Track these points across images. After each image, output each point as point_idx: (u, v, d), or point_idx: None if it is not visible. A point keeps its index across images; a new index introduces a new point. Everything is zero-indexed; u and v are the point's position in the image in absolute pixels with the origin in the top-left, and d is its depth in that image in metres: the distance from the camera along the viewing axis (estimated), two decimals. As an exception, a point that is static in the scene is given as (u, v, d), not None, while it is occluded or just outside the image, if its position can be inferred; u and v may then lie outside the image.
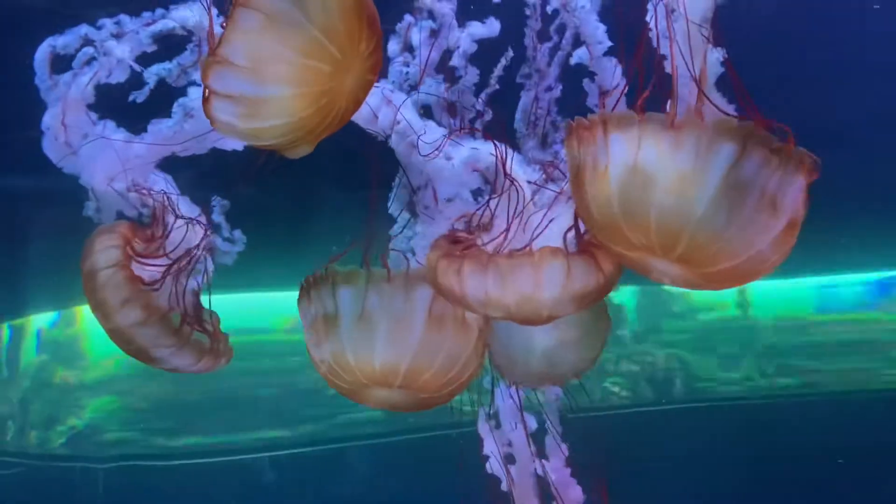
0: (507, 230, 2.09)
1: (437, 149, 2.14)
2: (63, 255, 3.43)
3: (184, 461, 4.17)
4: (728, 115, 1.79)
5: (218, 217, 2.44)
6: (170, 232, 2.32)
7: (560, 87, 2.46)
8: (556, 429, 2.77)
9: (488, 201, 2.11)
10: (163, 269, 2.25)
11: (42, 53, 2.28)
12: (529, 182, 2.17)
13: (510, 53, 2.40)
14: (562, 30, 2.43)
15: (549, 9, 2.38)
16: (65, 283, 3.62)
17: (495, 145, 2.15)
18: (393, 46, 2.42)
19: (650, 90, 1.82)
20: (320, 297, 2.14)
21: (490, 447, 2.74)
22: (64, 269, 3.53)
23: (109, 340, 3.38)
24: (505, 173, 2.09)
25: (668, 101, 1.84)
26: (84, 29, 2.30)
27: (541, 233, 2.05)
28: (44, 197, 3.25)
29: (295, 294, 2.22)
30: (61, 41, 2.28)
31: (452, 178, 2.19)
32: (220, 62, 1.73)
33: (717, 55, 1.82)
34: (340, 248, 2.23)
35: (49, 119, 2.28)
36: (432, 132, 2.20)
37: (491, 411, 2.72)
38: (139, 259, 2.21)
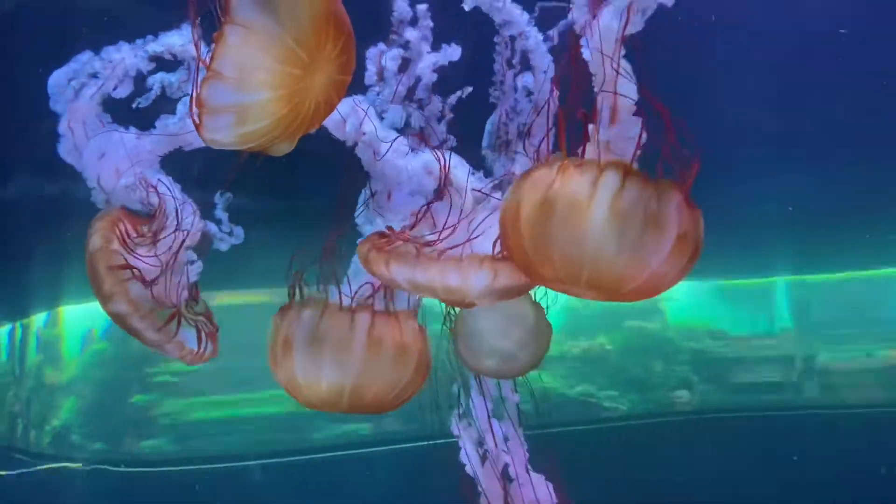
0: (444, 230, 2.32)
1: (389, 151, 2.35)
2: (57, 255, 3.62)
3: (156, 468, 4.23)
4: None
5: (221, 213, 2.65)
6: (165, 227, 2.50)
7: (524, 110, 2.66)
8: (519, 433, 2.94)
9: (430, 203, 2.32)
10: (155, 263, 2.44)
11: (55, 80, 2.52)
12: (475, 189, 2.37)
13: (468, 88, 2.62)
14: (526, 59, 2.65)
15: (507, 34, 2.59)
16: (54, 283, 3.79)
17: (440, 155, 2.36)
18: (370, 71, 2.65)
19: (560, 130, 2.05)
20: (289, 320, 2.38)
21: (467, 449, 2.92)
22: (55, 270, 3.72)
23: (77, 343, 3.56)
24: (444, 180, 2.29)
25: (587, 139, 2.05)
26: (87, 56, 2.54)
27: (478, 236, 2.26)
28: (50, 196, 3.42)
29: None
30: (70, 68, 2.52)
31: (409, 182, 2.40)
32: (213, 75, 1.94)
33: (630, 86, 2.02)
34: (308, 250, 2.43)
35: (63, 126, 2.51)
36: (393, 139, 2.44)
37: (461, 411, 2.89)
38: (129, 248, 2.38)
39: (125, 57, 2.48)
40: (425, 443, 3.44)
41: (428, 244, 2.29)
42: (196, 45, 2.09)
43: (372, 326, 2.34)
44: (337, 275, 2.44)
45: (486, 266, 2.19)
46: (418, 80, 2.62)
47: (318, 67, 2.03)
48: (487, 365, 2.67)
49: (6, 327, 3.95)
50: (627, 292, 2.05)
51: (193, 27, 2.10)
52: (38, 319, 3.95)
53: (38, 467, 4.00)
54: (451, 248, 2.24)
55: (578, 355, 5.10)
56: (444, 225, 2.31)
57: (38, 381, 4.01)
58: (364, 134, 2.40)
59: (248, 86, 1.95)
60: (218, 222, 2.65)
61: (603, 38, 2.02)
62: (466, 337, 2.65)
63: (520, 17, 2.60)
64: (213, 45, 1.97)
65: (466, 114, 2.65)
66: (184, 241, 2.50)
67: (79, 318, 3.86)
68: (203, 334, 2.54)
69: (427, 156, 2.40)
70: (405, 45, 2.61)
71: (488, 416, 2.91)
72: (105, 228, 2.36)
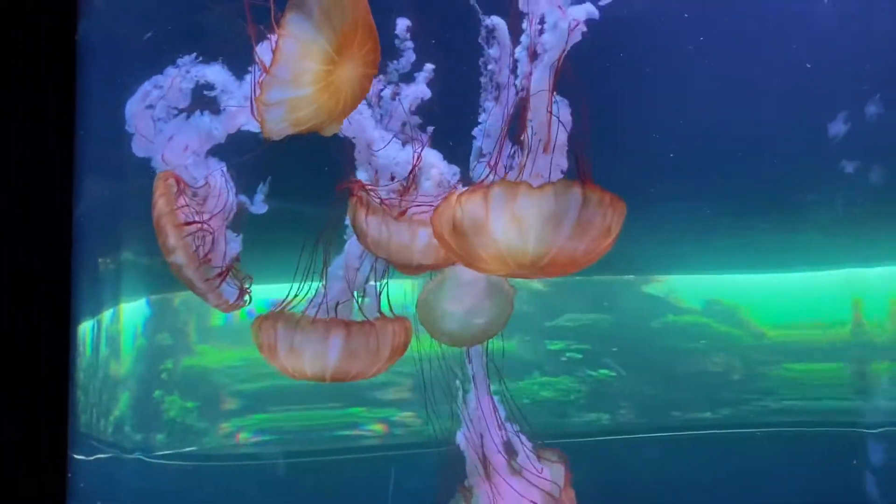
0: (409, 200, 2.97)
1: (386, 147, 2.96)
2: (118, 255, 4.04)
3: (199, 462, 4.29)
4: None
5: (259, 194, 3.20)
6: (209, 198, 3.10)
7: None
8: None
9: (407, 183, 2.99)
10: (201, 223, 3.04)
11: (130, 108, 3.13)
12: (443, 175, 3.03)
13: (425, 137, 3.13)
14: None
15: (489, 67, 3.01)
16: (116, 281, 4.11)
17: (418, 149, 2.99)
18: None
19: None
20: (267, 329, 2.95)
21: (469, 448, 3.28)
22: (118, 269, 4.13)
23: (130, 339, 3.98)
24: (414, 168, 2.98)
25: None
26: (148, 84, 3.13)
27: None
28: (114, 200, 3.96)
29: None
30: (139, 97, 3.11)
31: (396, 168, 3.06)
32: (271, 78, 2.54)
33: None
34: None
35: (130, 126, 3.12)
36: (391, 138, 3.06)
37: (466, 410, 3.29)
38: (180, 206, 2.97)
39: (177, 79, 3.06)
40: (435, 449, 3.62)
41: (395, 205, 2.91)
42: (257, 57, 2.71)
43: (346, 338, 2.91)
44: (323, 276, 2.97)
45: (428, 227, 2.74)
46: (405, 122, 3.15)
47: (348, 64, 2.63)
48: (443, 330, 3.14)
49: (90, 323, 4.27)
50: (545, 267, 2.57)
51: (254, 43, 2.71)
52: (106, 316, 4.25)
53: (101, 455, 4.23)
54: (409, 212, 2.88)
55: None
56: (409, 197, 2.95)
57: (105, 374, 4.27)
58: (366, 133, 2.97)
59: (298, 84, 2.55)
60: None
61: (535, 85, 2.58)
62: (425, 307, 3.15)
63: (505, 55, 3.00)
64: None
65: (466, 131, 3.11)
66: (229, 212, 3.07)
67: (132, 314, 4.21)
68: (241, 291, 3.14)
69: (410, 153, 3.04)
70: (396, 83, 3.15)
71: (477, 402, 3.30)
72: (168, 193, 2.93)
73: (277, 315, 2.95)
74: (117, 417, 4.27)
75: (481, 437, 3.21)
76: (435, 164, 3.02)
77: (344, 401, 4.27)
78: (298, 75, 2.54)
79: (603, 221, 2.52)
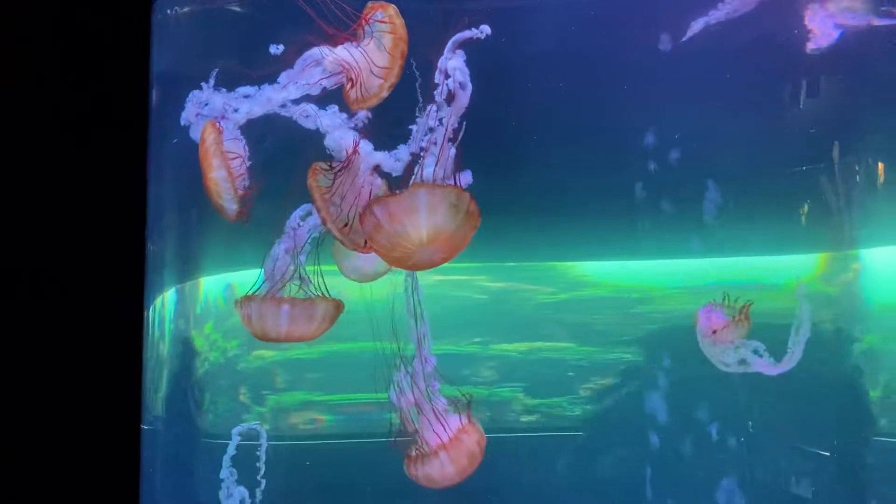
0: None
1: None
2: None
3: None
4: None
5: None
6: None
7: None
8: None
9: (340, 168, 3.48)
10: (238, 155, 3.61)
11: (186, 115, 3.59)
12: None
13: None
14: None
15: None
16: (161, 270, 4.35)
17: (356, 141, 3.42)
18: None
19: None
20: (245, 304, 3.60)
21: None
22: (168, 257, 4.32)
23: (169, 324, 4.41)
24: (348, 157, 3.45)
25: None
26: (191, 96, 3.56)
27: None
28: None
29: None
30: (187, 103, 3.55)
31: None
32: (383, 82, 3.40)
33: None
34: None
35: (185, 117, 3.58)
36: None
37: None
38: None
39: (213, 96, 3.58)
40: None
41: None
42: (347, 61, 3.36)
43: (292, 308, 3.60)
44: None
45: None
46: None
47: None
48: (349, 276, 3.79)
49: (151, 309, 4.55)
50: (435, 247, 3.19)
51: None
52: (158, 302, 4.36)
53: (154, 427, 4.49)
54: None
55: None
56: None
57: (157, 354, 4.42)
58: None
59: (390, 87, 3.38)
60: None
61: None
62: (343, 259, 3.81)
63: (441, 99, 3.22)
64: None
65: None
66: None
67: (170, 301, 4.49)
68: (246, 212, 3.68)
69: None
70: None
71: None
72: (216, 132, 3.54)
73: (251, 296, 3.66)
74: (163, 394, 4.67)
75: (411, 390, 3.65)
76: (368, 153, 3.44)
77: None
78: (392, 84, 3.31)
79: (450, 200, 3.15)
